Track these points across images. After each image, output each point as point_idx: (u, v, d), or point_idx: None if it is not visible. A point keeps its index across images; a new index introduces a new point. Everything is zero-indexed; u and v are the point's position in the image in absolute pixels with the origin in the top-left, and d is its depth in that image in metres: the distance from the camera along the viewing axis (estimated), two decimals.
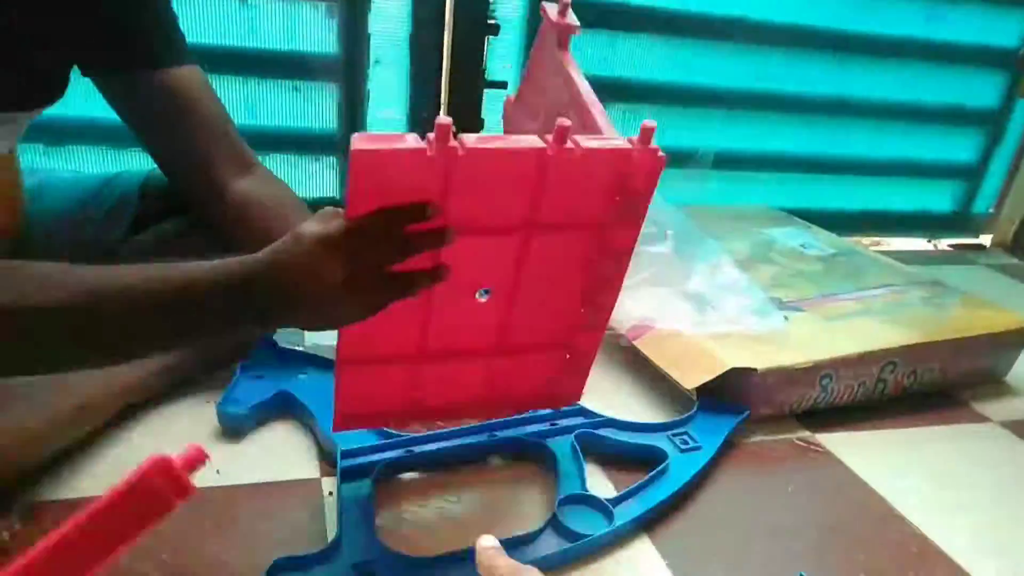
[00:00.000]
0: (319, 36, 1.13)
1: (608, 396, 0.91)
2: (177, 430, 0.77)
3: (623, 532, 0.66)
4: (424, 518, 0.68)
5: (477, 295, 0.64)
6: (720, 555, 0.68)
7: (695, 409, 0.83)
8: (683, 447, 0.76)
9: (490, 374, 0.71)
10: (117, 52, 0.74)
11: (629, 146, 0.57)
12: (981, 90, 1.53)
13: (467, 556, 0.59)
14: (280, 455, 0.75)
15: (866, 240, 1.68)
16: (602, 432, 0.78)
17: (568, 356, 0.72)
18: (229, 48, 1.10)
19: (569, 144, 0.55)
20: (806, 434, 0.88)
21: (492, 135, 0.57)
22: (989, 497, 0.81)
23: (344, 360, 0.63)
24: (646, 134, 0.58)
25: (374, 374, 0.66)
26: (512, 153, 0.56)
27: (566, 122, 0.55)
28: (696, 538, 0.69)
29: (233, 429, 0.76)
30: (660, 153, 0.58)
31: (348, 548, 0.61)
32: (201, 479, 0.66)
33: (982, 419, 0.97)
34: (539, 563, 0.60)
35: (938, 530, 0.74)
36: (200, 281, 0.52)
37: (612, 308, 0.69)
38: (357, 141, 0.50)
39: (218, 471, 0.71)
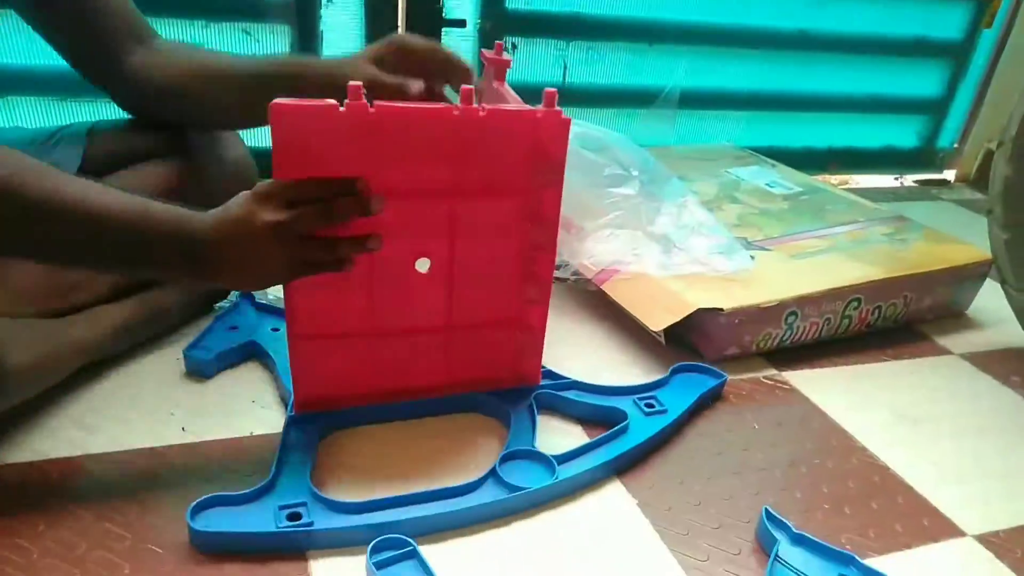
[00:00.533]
0: None
1: (581, 343, 0.90)
2: (144, 379, 0.76)
3: (564, 488, 0.66)
4: (364, 466, 0.67)
5: (417, 265, 0.67)
6: (688, 494, 0.68)
7: (669, 372, 0.82)
8: (647, 410, 0.76)
9: (445, 354, 0.73)
10: None
11: (533, 109, 0.64)
12: (946, 21, 1.52)
13: (396, 503, 0.61)
14: (241, 400, 0.75)
15: (834, 179, 1.68)
16: (565, 393, 0.77)
17: (519, 334, 0.74)
18: None
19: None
20: (772, 372, 0.89)
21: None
22: (949, 428, 0.82)
23: (296, 335, 0.66)
24: (549, 98, 0.64)
25: (328, 353, 0.68)
26: (421, 111, 0.62)
27: (470, 88, 0.62)
28: (665, 479, 0.70)
29: (198, 372, 0.77)
30: (563, 115, 0.64)
31: (279, 490, 0.61)
32: (166, 436, 0.67)
33: (944, 352, 0.98)
34: (477, 512, 0.62)
35: (900, 461, 0.76)
36: (151, 225, 0.56)
37: (551, 280, 0.72)
38: (276, 101, 0.56)
39: (183, 428, 0.70)
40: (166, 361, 0.79)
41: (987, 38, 1.56)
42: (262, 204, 0.57)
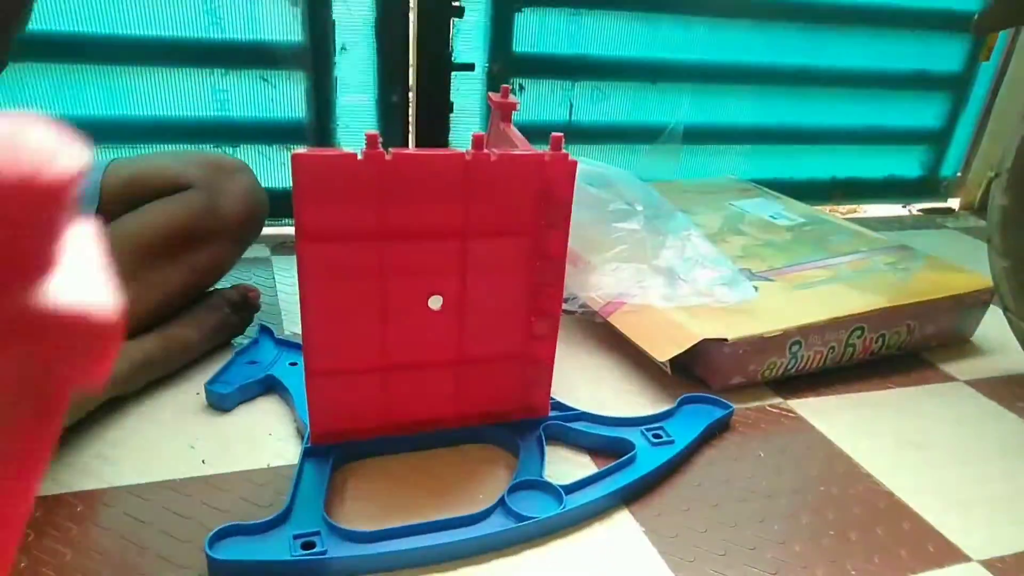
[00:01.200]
0: (284, 25, 1.13)
1: (589, 374, 0.92)
2: (164, 413, 0.79)
3: (571, 517, 0.67)
4: (376, 496, 0.69)
5: (430, 302, 0.69)
6: (694, 521, 0.70)
7: (676, 403, 0.84)
8: (655, 441, 0.77)
9: (456, 387, 0.75)
10: None
11: (541, 152, 0.67)
12: (945, 55, 1.55)
13: (407, 532, 0.63)
14: (258, 432, 0.77)
15: (843, 208, 1.71)
16: (574, 424, 0.79)
17: (528, 368, 0.76)
18: (194, 40, 1.10)
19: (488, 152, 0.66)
20: (778, 400, 0.91)
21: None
22: (954, 454, 0.83)
23: (313, 371, 0.69)
24: (556, 142, 0.68)
25: (343, 389, 0.71)
26: (434, 157, 0.65)
27: (481, 134, 0.66)
28: (672, 507, 0.71)
29: (218, 406, 0.80)
30: (571, 158, 0.68)
31: (294, 520, 0.63)
32: (186, 469, 0.69)
33: (948, 378, 1.00)
34: (485, 541, 0.64)
35: (905, 487, 0.77)
36: None
37: (559, 315, 0.75)
38: (297, 151, 0.60)
39: (203, 461, 0.72)
40: (186, 395, 0.82)
41: (986, 70, 1.59)
42: None
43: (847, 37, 1.47)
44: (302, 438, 0.74)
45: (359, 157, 0.61)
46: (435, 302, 0.70)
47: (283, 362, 0.86)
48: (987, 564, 0.68)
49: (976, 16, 0.90)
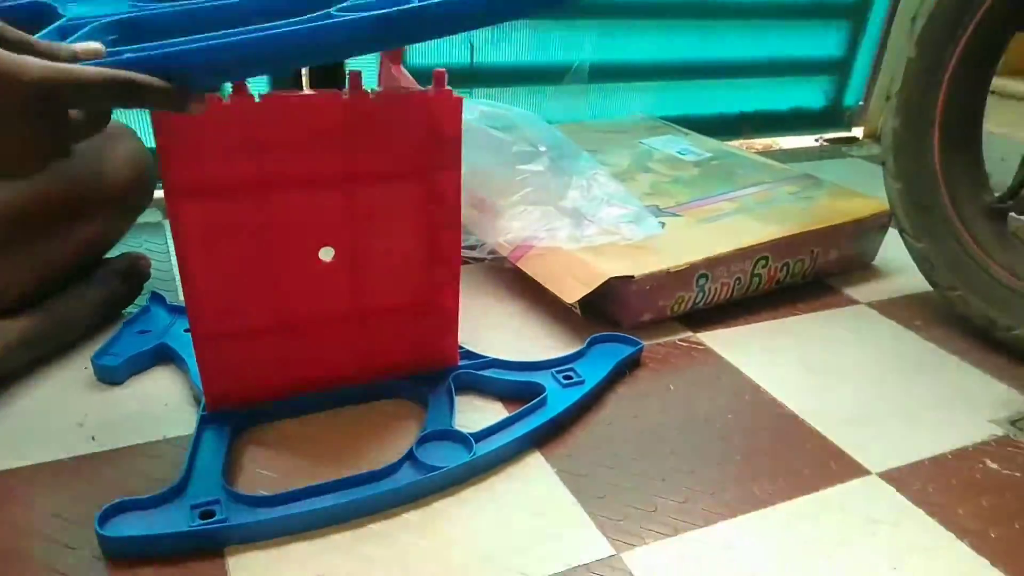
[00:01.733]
0: None
1: (501, 320, 0.91)
2: (50, 391, 0.74)
3: (482, 464, 0.67)
4: (281, 460, 0.67)
5: (320, 255, 0.66)
6: (605, 458, 0.70)
7: (586, 344, 0.84)
8: (565, 383, 0.77)
9: (357, 342, 0.72)
10: None
11: (424, 90, 0.64)
12: None
13: (312, 493, 0.61)
14: (153, 404, 0.73)
15: (759, 143, 1.73)
16: (484, 372, 0.78)
17: (432, 317, 0.74)
18: None
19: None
20: (688, 334, 0.91)
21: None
22: (855, 374, 0.86)
23: (201, 336, 0.66)
24: (438, 78, 0.64)
25: (238, 350, 0.68)
26: (308, 99, 0.61)
27: (357, 71, 0.62)
28: (583, 446, 0.71)
29: (108, 379, 0.76)
30: (455, 94, 0.64)
31: (192, 490, 0.60)
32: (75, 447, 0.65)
33: (851, 302, 1.02)
34: (395, 495, 0.62)
35: (808, 409, 0.79)
36: None
37: (459, 260, 0.72)
38: None
39: (93, 438, 0.68)
40: (74, 370, 0.77)
41: None
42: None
43: None
44: (200, 407, 0.71)
45: (224, 101, 0.57)
46: (326, 254, 0.67)
47: (177, 329, 0.82)
48: (884, 475, 0.70)
49: None
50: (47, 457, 0.66)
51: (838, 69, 1.69)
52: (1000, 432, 0.77)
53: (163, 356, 0.79)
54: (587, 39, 1.39)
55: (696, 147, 1.28)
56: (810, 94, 1.70)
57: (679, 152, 1.25)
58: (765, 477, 0.69)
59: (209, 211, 0.61)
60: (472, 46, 1.30)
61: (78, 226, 0.78)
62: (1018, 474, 0.71)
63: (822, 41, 1.64)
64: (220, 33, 0.47)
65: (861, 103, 1.76)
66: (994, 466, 0.72)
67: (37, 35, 0.47)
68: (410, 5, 0.49)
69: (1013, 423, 0.79)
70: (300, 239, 0.65)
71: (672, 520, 0.63)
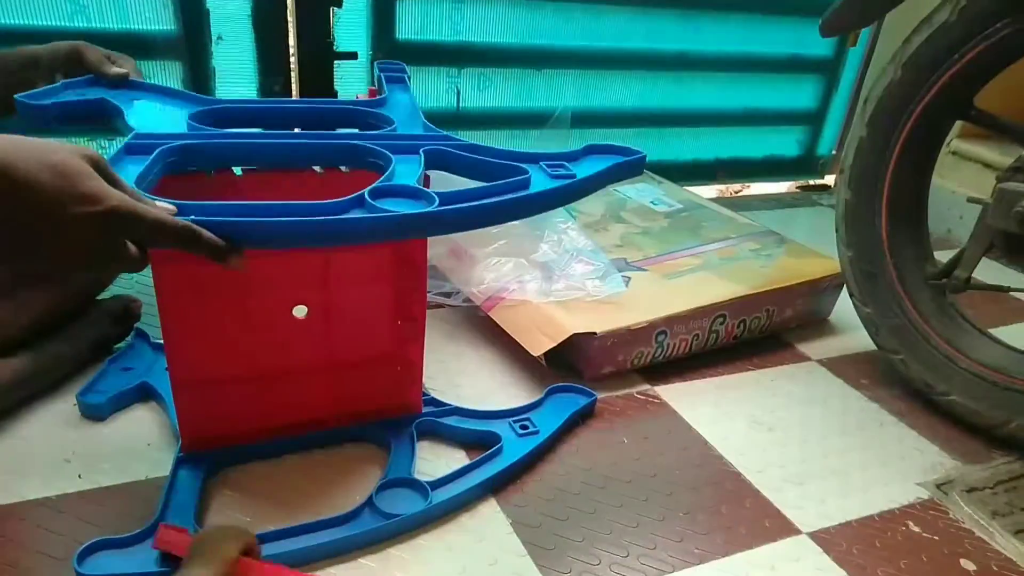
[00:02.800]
0: (154, 13, 1.10)
1: (471, 366, 0.96)
2: (38, 428, 0.78)
3: (438, 512, 0.71)
4: (250, 501, 0.71)
5: (294, 311, 0.71)
6: (556, 510, 0.75)
7: (544, 394, 0.89)
8: (521, 432, 0.82)
9: (328, 390, 0.77)
10: None
11: None
12: (817, 40, 1.62)
13: (276, 536, 0.65)
14: (136, 442, 0.78)
15: (736, 186, 1.79)
16: (445, 420, 0.82)
17: (399, 368, 0.79)
18: (56, 29, 1.05)
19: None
20: (646, 387, 0.97)
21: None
22: (799, 432, 0.92)
23: (179, 383, 0.70)
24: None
25: (213, 396, 0.72)
26: (286, 178, 0.69)
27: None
28: (537, 497, 0.76)
29: (92, 416, 0.80)
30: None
31: None
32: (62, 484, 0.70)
33: (803, 358, 1.08)
34: (353, 540, 0.67)
35: (751, 467, 0.84)
36: None
37: (424, 317, 0.77)
38: None
39: (80, 476, 0.73)
40: (63, 405, 0.81)
41: (854, 54, 1.69)
42: (113, 179, 0.49)
43: (723, 23, 1.53)
44: (177, 445, 0.75)
45: (208, 177, 0.62)
46: (300, 311, 0.72)
47: (159, 367, 0.86)
48: (814, 536, 0.76)
49: (822, 20, 0.96)
50: (36, 494, 0.70)
51: (811, 120, 1.76)
52: (926, 495, 0.83)
53: (145, 393, 0.84)
54: (568, 86, 1.45)
55: (668, 197, 1.34)
56: (784, 142, 1.77)
57: (651, 202, 1.31)
58: (703, 534, 0.74)
59: (190, 272, 0.66)
60: (458, 91, 1.35)
61: (73, 274, 0.83)
62: (936, 537, 0.77)
63: (796, 93, 1.71)
64: (265, 205, 0.56)
65: (834, 152, 1.83)
66: (916, 529, 0.78)
67: (109, 157, 0.55)
68: (431, 209, 0.59)
69: (939, 486, 0.84)
70: (276, 298, 0.70)
71: (612, 575, 0.68)
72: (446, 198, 0.63)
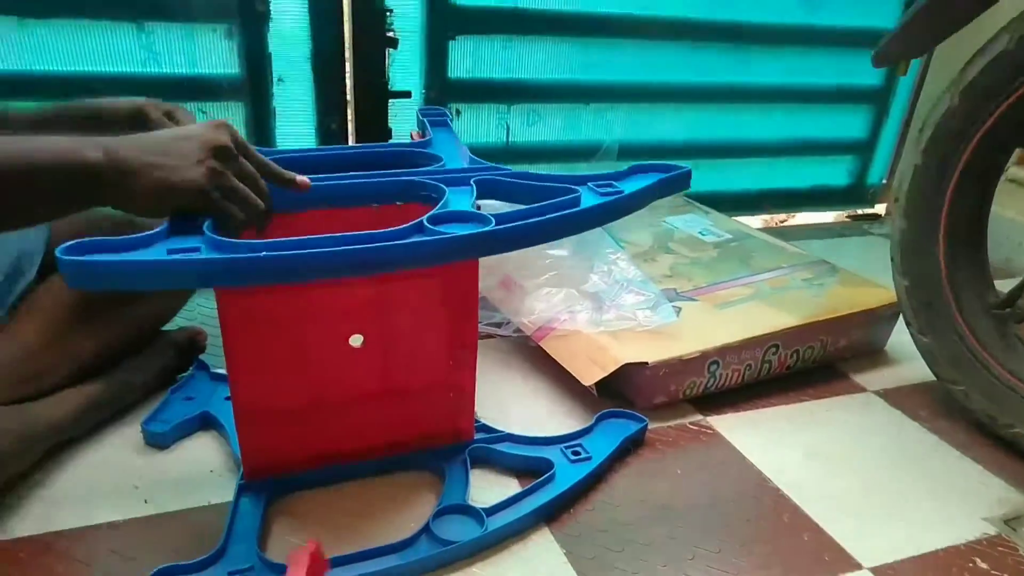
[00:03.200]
0: (220, 58, 1.15)
1: (524, 394, 0.98)
2: (107, 454, 0.82)
3: (493, 539, 0.72)
4: (310, 528, 0.73)
5: (351, 341, 0.73)
6: (612, 540, 0.75)
7: (594, 420, 0.89)
8: (573, 458, 0.82)
9: (383, 417, 0.79)
10: None
11: None
12: (866, 70, 1.61)
13: (337, 563, 0.66)
14: (200, 469, 0.81)
15: (780, 216, 1.78)
16: (498, 446, 0.83)
17: (452, 395, 0.80)
18: (130, 76, 1.11)
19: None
20: (698, 418, 0.96)
21: None
22: (856, 464, 0.90)
23: (241, 412, 0.72)
24: None
25: (274, 425, 0.74)
26: (345, 214, 0.71)
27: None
28: (591, 527, 0.76)
29: (156, 444, 0.83)
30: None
31: (229, 556, 0.67)
32: (129, 509, 0.72)
33: (859, 389, 1.06)
34: (411, 567, 0.68)
35: (808, 499, 0.83)
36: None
37: (476, 345, 0.79)
38: None
39: (146, 501, 0.75)
40: (130, 432, 0.84)
41: (904, 83, 1.67)
42: (216, 126, 0.64)
43: (771, 55, 1.53)
44: (239, 473, 0.78)
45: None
46: (356, 340, 0.74)
47: (219, 396, 0.89)
48: (876, 571, 0.74)
49: (874, 52, 0.97)
50: (106, 518, 0.73)
51: (862, 149, 1.75)
52: (993, 531, 0.81)
53: (207, 422, 0.87)
54: (617, 120, 1.47)
55: (716, 227, 1.34)
56: (833, 172, 1.76)
57: (700, 233, 1.31)
58: (761, 567, 0.73)
59: (252, 304, 0.68)
60: (508, 127, 1.38)
61: (135, 306, 0.86)
62: (1005, 575, 0.75)
63: (846, 123, 1.70)
64: (331, 237, 0.60)
65: (884, 181, 1.81)
66: (984, 566, 0.76)
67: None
68: (488, 228, 0.62)
69: (1007, 522, 0.82)
70: (333, 328, 0.73)
71: None
72: (501, 218, 0.66)
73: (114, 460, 0.81)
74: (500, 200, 0.77)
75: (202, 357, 0.96)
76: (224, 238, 0.59)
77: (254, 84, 1.18)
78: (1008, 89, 0.87)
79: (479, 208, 0.70)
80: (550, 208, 0.68)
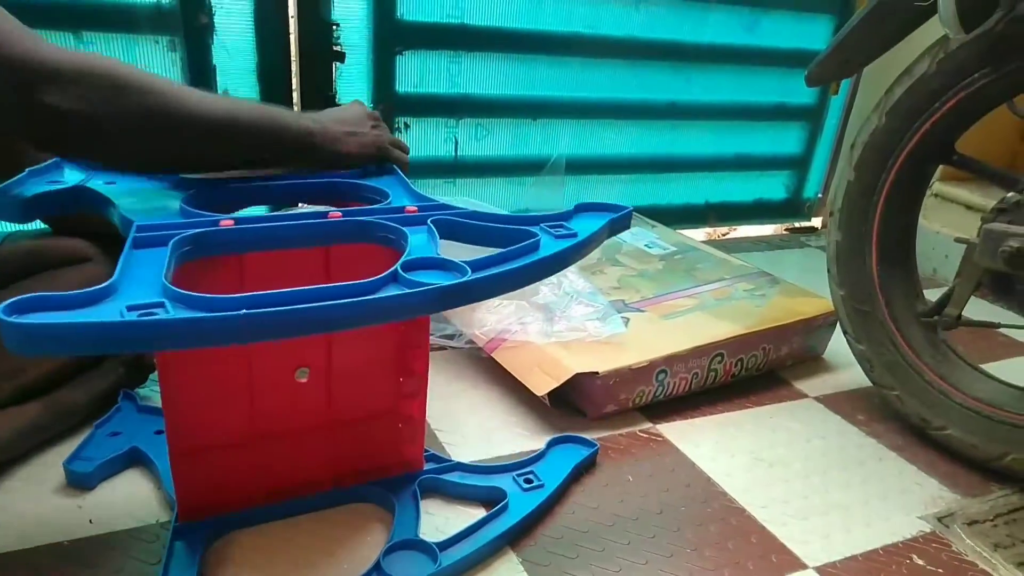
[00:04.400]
0: (163, 71, 1.13)
1: (475, 406, 0.98)
2: (19, 494, 0.76)
3: (450, 573, 0.69)
4: (252, 571, 0.69)
5: (297, 375, 0.71)
6: (566, 549, 0.76)
7: (545, 446, 0.88)
8: (525, 487, 0.81)
9: (328, 450, 0.76)
10: None
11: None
12: (800, 89, 1.69)
13: None
14: (127, 511, 0.75)
15: (723, 229, 1.83)
16: (448, 476, 0.81)
17: (400, 425, 0.78)
18: None
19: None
20: (648, 426, 0.98)
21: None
22: (800, 467, 0.93)
23: (177, 451, 0.68)
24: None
25: (211, 464, 0.70)
26: (286, 228, 0.64)
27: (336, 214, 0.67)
28: (545, 535, 0.77)
29: (79, 485, 0.77)
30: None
31: None
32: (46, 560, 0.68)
33: (800, 396, 1.10)
34: None
35: (755, 503, 0.85)
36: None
37: (426, 373, 0.77)
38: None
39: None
40: (50, 474, 0.78)
41: (836, 103, 1.75)
42: (359, 103, 0.83)
43: (712, 74, 1.59)
44: (171, 512, 0.73)
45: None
46: (302, 374, 0.72)
47: (147, 431, 0.83)
48: (821, 571, 0.77)
49: (807, 72, 1.01)
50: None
51: (797, 165, 1.82)
52: (928, 528, 0.84)
53: (134, 459, 0.81)
54: (563, 135, 1.49)
55: (662, 240, 1.37)
56: (771, 186, 1.82)
57: (646, 246, 1.34)
58: (712, 570, 0.75)
59: None
60: (456, 141, 1.39)
61: None
62: (941, 570, 0.78)
63: (782, 139, 1.77)
64: (302, 292, 0.53)
65: (820, 195, 1.88)
66: (920, 562, 0.79)
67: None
68: (468, 278, 0.59)
69: (940, 519, 0.86)
70: (278, 362, 0.70)
71: None
72: (474, 266, 0.62)
73: (30, 502, 0.74)
74: (456, 241, 0.74)
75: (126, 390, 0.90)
76: (190, 292, 0.51)
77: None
78: (930, 109, 0.92)
79: None
80: (516, 254, 0.65)
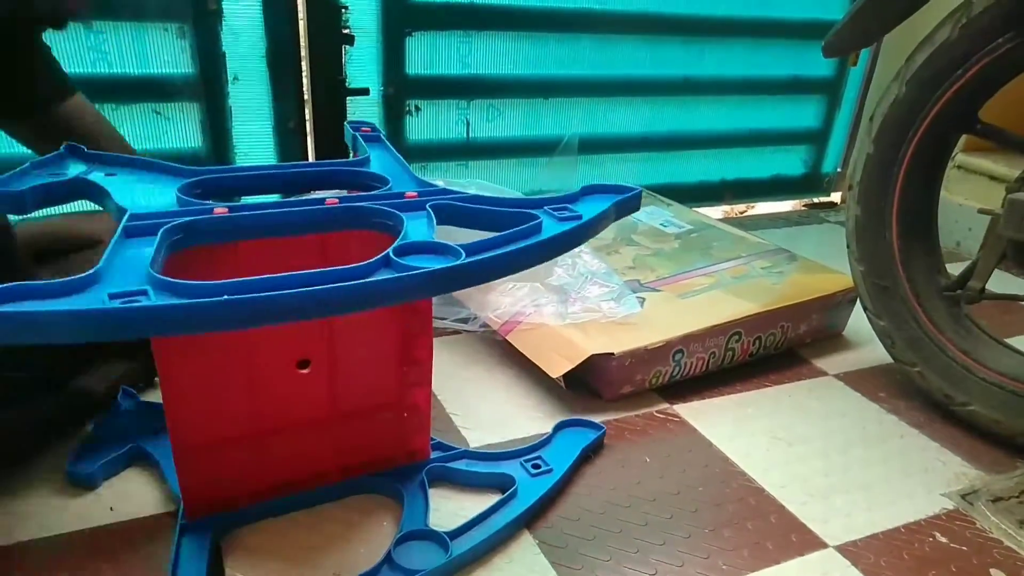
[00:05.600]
0: (172, 57, 1.13)
1: (490, 389, 0.98)
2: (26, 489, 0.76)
3: (461, 562, 0.69)
4: (262, 563, 0.68)
5: (298, 367, 0.70)
6: (583, 530, 0.75)
7: (552, 430, 0.87)
8: (533, 472, 0.80)
9: (333, 442, 0.76)
10: (13, 102, 0.79)
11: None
12: (818, 61, 1.66)
13: None
14: (132, 511, 0.74)
15: (740, 206, 1.81)
16: (455, 464, 0.81)
17: (405, 415, 0.78)
18: (79, 76, 1.08)
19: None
20: (665, 406, 0.97)
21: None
22: (820, 446, 0.92)
23: (180, 447, 0.67)
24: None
25: (215, 459, 0.70)
26: (284, 214, 0.64)
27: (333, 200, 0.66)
28: (563, 518, 0.77)
29: (84, 486, 0.77)
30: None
31: None
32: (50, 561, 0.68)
33: (820, 373, 1.09)
34: None
35: (774, 482, 0.84)
36: None
37: (430, 361, 0.76)
38: None
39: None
40: (53, 475, 0.78)
41: (855, 74, 1.71)
42: None
43: (726, 48, 1.56)
44: (176, 509, 0.73)
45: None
46: (304, 367, 0.71)
47: (149, 428, 0.82)
48: (841, 549, 0.76)
49: (824, 42, 0.99)
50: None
51: (816, 139, 1.78)
52: (951, 505, 0.83)
53: (138, 458, 0.80)
54: (576, 114, 1.48)
55: (677, 219, 1.36)
56: (789, 161, 1.79)
57: (661, 224, 1.33)
58: (730, 550, 0.74)
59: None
60: (467, 122, 1.38)
61: None
62: (965, 548, 0.77)
63: (800, 113, 1.73)
64: (293, 276, 0.53)
65: (839, 170, 1.85)
66: (943, 540, 0.78)
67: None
68: (461, 262, 0.57)
69: (964, 497, 0.84)
70: (280, 354, 0.69)
71: None
72: (469, 250, 0.61)
73: (34, 504, 0.74)
74: (456, 226, 0.73)
75: (126, 386, 0.89)
76: (174, 279, 0.50)
77: (208, 83, 1.16)
78: (952, 76, 0.90)
79: None
80: (515, 237, 0.64)
